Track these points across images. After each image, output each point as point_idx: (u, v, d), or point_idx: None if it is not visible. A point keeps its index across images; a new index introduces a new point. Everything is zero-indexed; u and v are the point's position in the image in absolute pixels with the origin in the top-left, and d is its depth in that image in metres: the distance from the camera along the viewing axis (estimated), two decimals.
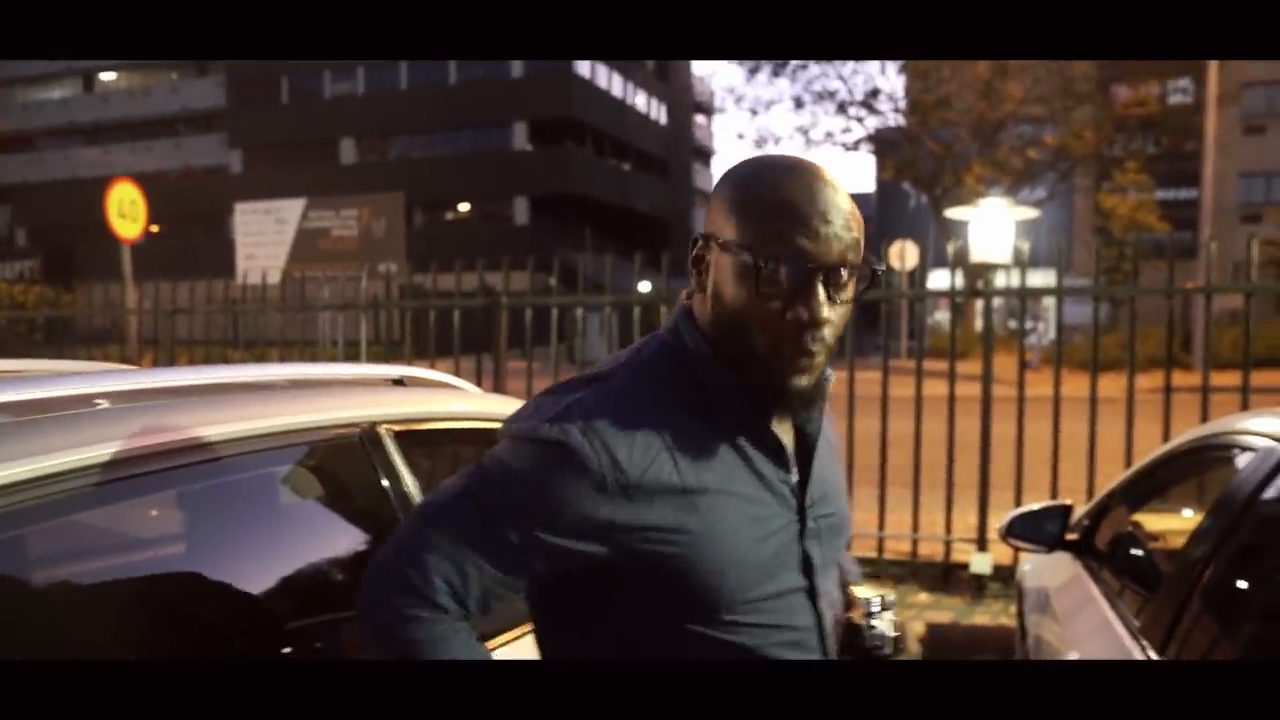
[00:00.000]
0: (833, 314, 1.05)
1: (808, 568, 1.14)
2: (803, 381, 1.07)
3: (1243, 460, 1.86)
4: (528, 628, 2.02)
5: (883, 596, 1.22)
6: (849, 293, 1.07)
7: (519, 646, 1.71)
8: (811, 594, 1.14)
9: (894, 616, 1.23)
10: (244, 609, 1.51)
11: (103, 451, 1.27)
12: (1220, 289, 4.72)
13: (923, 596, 5.08)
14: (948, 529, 5.28)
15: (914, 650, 1.24)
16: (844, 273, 1.05)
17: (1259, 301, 4.74)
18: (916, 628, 4.45)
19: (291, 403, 1.64)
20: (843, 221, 1.04)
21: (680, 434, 1.07)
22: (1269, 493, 1.71)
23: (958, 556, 5.30)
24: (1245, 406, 4.26)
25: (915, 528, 5.36)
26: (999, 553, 5.04)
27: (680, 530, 1.05)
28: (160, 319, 7.10)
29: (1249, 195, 34.30)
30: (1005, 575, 4.95)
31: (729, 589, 1.07)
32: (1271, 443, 1.76)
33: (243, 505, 1.57)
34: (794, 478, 1.13)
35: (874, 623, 1.20)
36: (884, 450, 5.22)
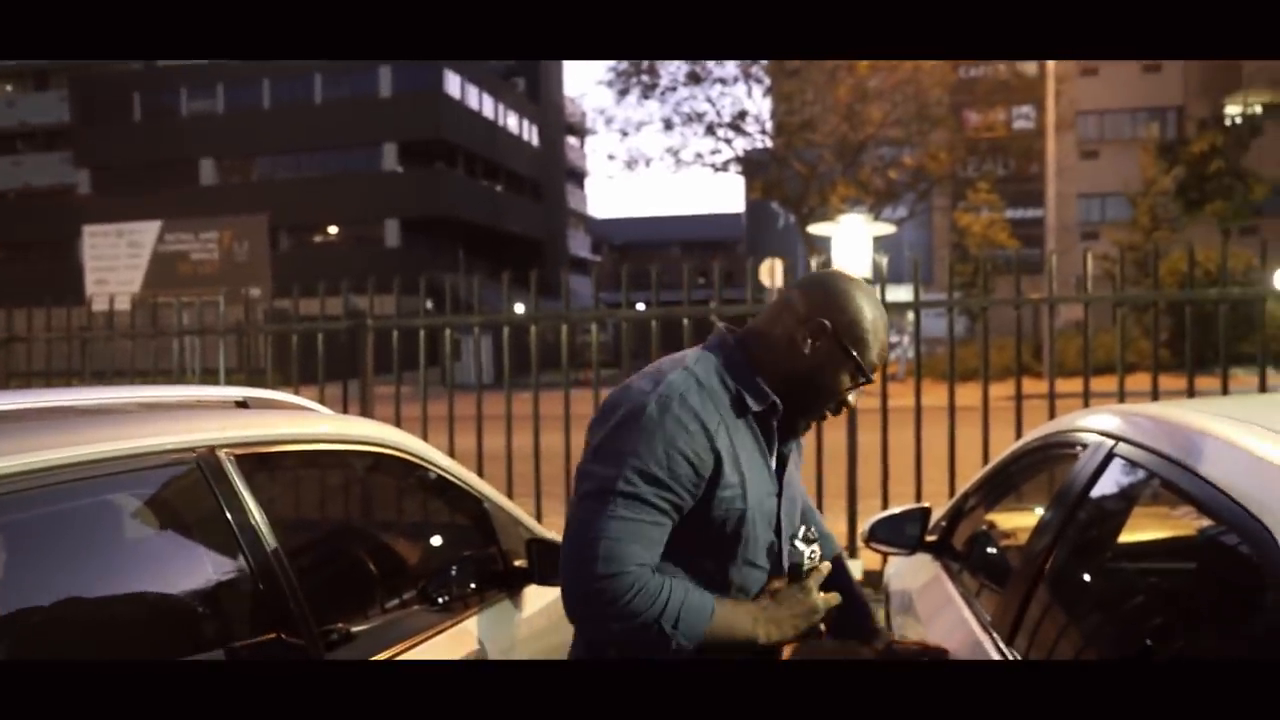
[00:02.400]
0: (852, 400, 1.67)
1: (779, 526, 1.64)
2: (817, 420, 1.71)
3: (1076, 456, 1.96)
4: (427, 635, 1.98)
5: (806, 529, 1.66)
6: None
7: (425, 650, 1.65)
8: (774, 549, 1.63)
9: (813, 549, 1.64)
10: (68, 649, 1.40)
11: None
12: (1060, 299, 5.01)
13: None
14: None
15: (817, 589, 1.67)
16: (874, 377, 1.65)
17: (1096, 312, 5.05)
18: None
19: (120, 427, 1.53)
20: (883, 354, 1.64)
21: (727, 416, 1.54)
22: (1099, 486, 1.80)
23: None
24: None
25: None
26: (869, 559, 5.18)
27: (735, 483, 1.53)
28: None
29: (1087, 215, 36.72)
30: (876, 580, 5.09)
31: (753, 533, 1.57)
32: (1101, 438, 1.86)
33: (64, 538, 1.45)
34: (774, 462, 1.64)
35: (798, 543, 1.62)
36: None
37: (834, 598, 1.66)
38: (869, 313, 1.60)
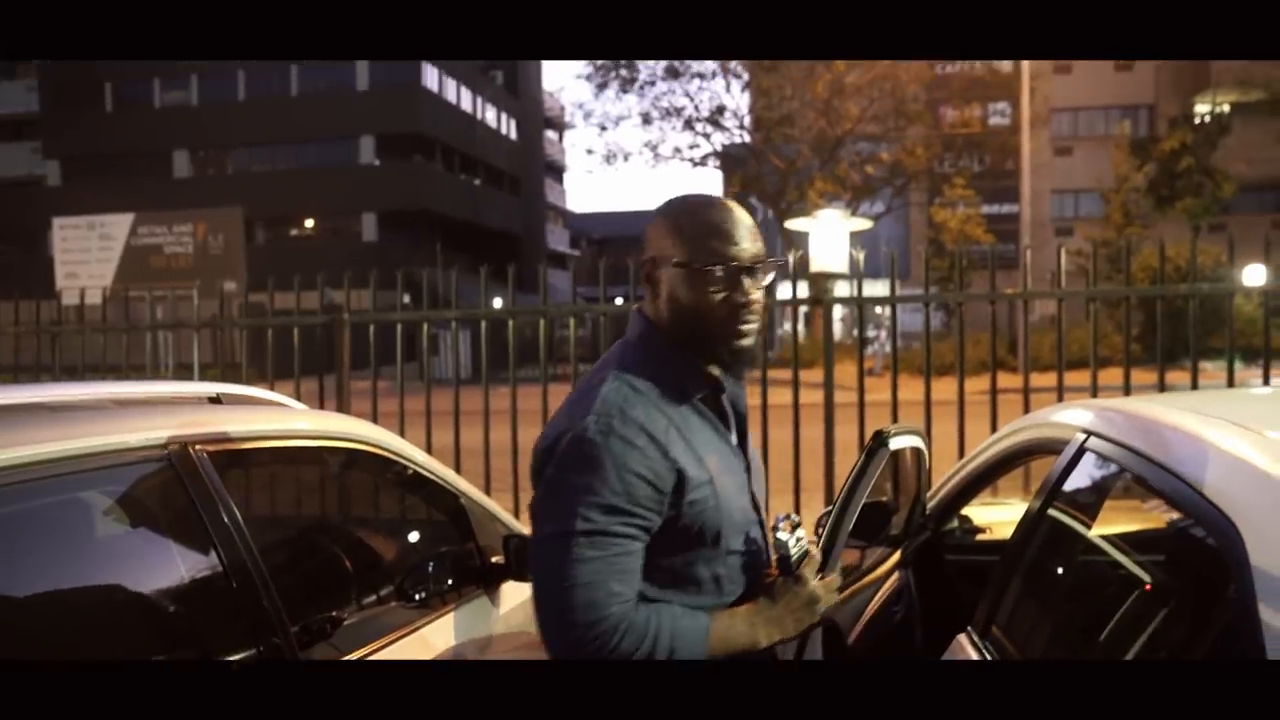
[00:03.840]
0: (757, 296, 1.48)
1: (754, 504, 1.56)
2: (750, 344, 1.50)
3: (1049, 450, 1.99)
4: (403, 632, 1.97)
5: (788, 516, 1.55)
6: (765, 280, 1.50)
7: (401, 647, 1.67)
8: (760, 525, 1.56)
9: (799, 534, 1.53)
10: (39, 648, 1.38)
11: None
12: (1034, 294, 5.06)
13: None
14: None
15: (813, 576, 1.53)
16: (759, 266, 1.48)
17: (1070, 307, 5.10)
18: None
19: (92, 423, 1.52)
20: (751, 233, 1.49)
21: (674, 413, 1.44)
22: (1071, 479, 1.82)
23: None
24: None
25: None
26: (845, 553, 5.21)
27: (704, 482, 1.43)
28: None
29: (1061, 210, 37.04)
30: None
31: (730, 525, 1.47)
32: (1074, 433, 1.88)
33: (35, 536, 1.43)
34: (734, 439, 1.55)
35: (780, 534, 1.51)
36: None
37: (834, 580, 1.57)
38: (691, 218, 1.48)
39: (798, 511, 5.36)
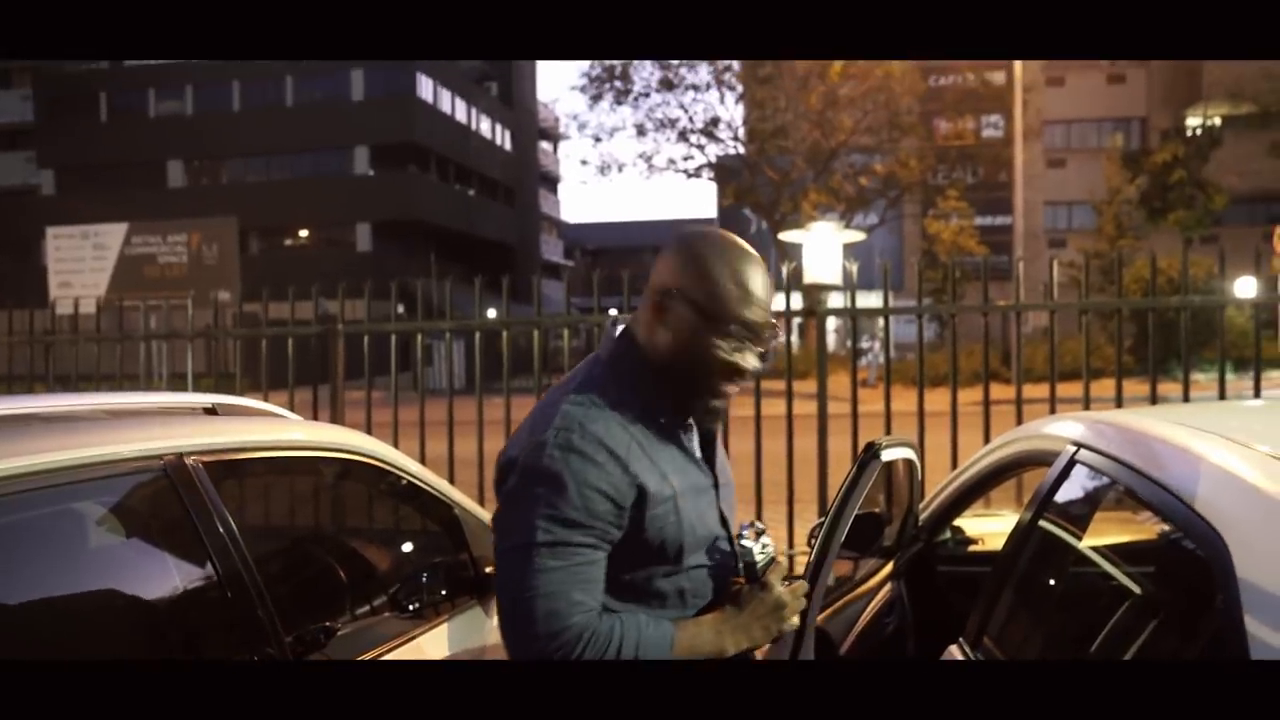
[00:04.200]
0: (756, 365, 1.47)
1: (723, 520, 1.55)
2: (722, 404, 1.51)
3: (1040, 462, 2.00)
4: (397, 643, 1.97)
5: (753, 523, 1.56)
6: (770, 347, 1.49)
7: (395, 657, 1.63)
8: (728, 540, 1.54)
9: (764, 541, 1.55)
10: (35, 659, 1.38)
11: None
12: (1027, 306, 5.08)
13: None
14: (790, 543, 5.43)
15: (780, 583, 1.51)
16: (766, 335, 1.47)
17: (1063, 319, 5.12)
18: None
19: (88, 434, 1.52)
20: (769, 297, 1.46)
21: (637, 426, 1.43)
22: (1062, 491, 1.84)
23: (800, 570, 5.45)
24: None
25: None
26: (838, 564, 5.21)
27: (666, 498, 1.42)
28: None
29: (1054, 222, 37.23)
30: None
31: (693, 540, 1.46)
32: (1065, 445, 1.89)
33: (29, 547, 1.43)
34: (700, 453, 1.53)
35: (744, 542, 1.52)
36: None
37: (801, 586, 1.54)
38: (722, 264, 1.43)
39: (760, 518, 5.35)
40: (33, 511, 1.43)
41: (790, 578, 1.55)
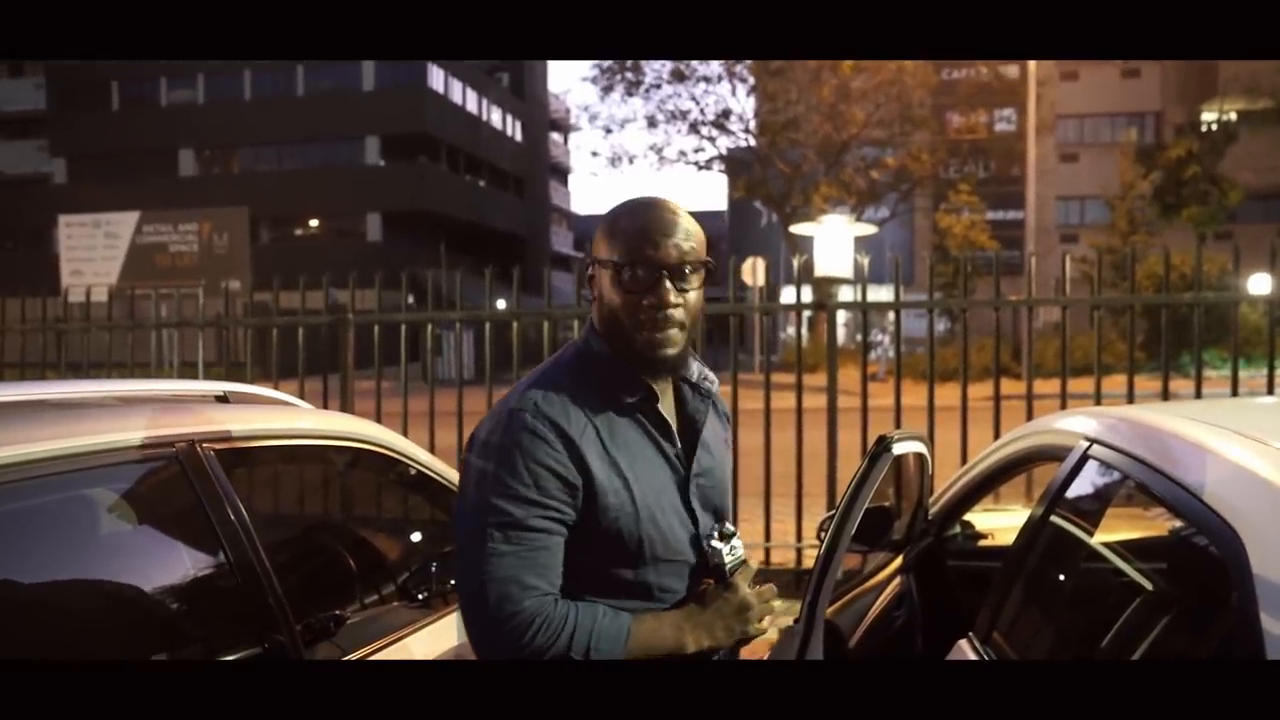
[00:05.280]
0: (679, 299, 1.43)
1: (692, 518, 1.50)
2: (668, 351, 1.45)
3: (1052, 457, 1.99)
4: (407, 631, 1.98)
5: (722, 525, 1.53)
6: (693, 283, 1.45)
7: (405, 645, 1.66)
8: (695, 539, 1.50)
9: (733, 544, 1.51)
10: (46, 646, 1.39)
11: None
12: (1038, 301, 5.06)
13: (776, 603, 5.19)
14: (799, 536, 5.43)
15: (748, 586, 1.50)
16: (686, 269, 1.43)
17: (1074, 314, 5.10)
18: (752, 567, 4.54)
19: (100, 420, 1.52)
20: (681, 234, 1.43)
21: (599, 415, 1.43)
22: (1074, 487, 1.83)
23: (809, 563, 5.45)
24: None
25: (768, 536, 5.48)
26: (847, 558, 5.21)
27: (617, 489, 1.40)
28: None
29: (1066, 217, 37.02)
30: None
31: (655, 534, 1.43)
32: (1076, 440, 1.88)
33: (41, 533, 1.44)
34: (678, 448, 1.50)
35: (713, 543, 1.50)
36: (735, 461, 5.31)
37: (769, 590, 1.53)
38: (626, 219, 1.45)
39: (799, 519, 5.37)
40: (46, 497, 1.44)
41: (759, 582, 1.54)
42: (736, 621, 1.47)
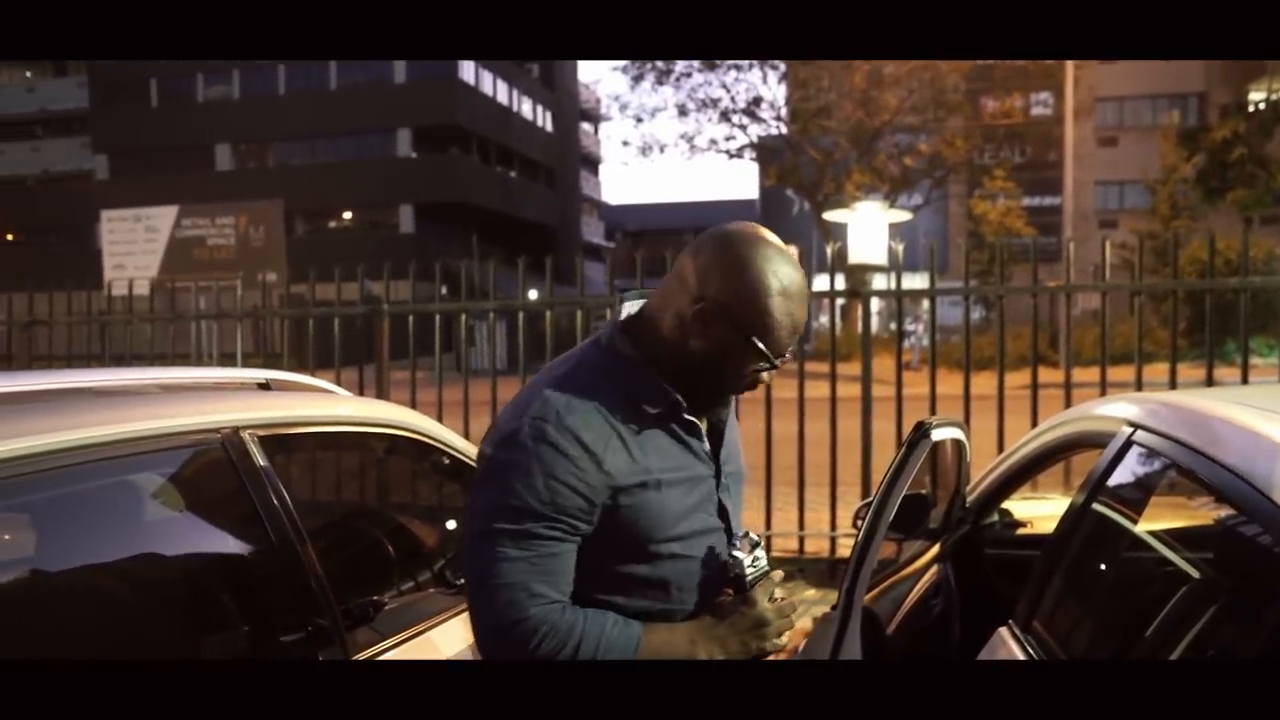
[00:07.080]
0: (767, 378, 1.44)
1: (722, 512, 1.48)
2: (730, 405, 1.51)
3: (1094, 443, 1.96)
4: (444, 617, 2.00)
5: (748, 534, 1.48)
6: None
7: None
8: (726, 533, 1.48)
9: (756, 554, 1.45)
10: (97, 627, 1.42)
11: None
12: (1077, 287, 4.98)
13: (810, 592, 5.19)
14: (833, 525, 5.40)
15: (776, 593, 1.45)
16: (789, 354, 1.42)
17: (1114, 301, 5.02)
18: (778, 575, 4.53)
19: (147, 407, 1.55)
20: (802, 319, 1.40)
21: (625, 422, 1.37)
22: (1117, 473, 1.80)
23: (843, 552, 5.43)
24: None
25: (801, 525, 5.47)
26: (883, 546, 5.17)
27: (643, 484, 1.36)
28: (15, 331, 6.65)
29: (1105, 203, 36.40)
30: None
31: (676, 527, 1.39)
32: (1120, 425, 1.85)
33: (91, 517, 1.47)
34: (707, 445, 1.46)
35: (735, 553, 1.44)
36: (769, 450, 5.31)
37: (789, 605, 1.46)
38: (773, 284, 1.36)
39: (834, 509, 5.35)
40: (92, 482, 1.46)
41: (778, 597, 1.47)
42: (752, 637, 1.42)
